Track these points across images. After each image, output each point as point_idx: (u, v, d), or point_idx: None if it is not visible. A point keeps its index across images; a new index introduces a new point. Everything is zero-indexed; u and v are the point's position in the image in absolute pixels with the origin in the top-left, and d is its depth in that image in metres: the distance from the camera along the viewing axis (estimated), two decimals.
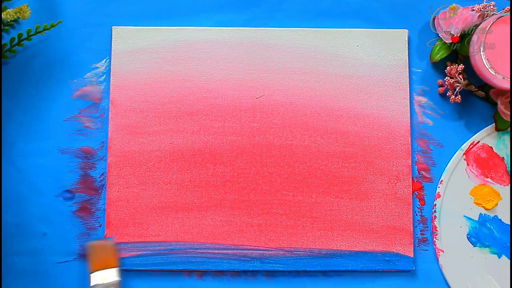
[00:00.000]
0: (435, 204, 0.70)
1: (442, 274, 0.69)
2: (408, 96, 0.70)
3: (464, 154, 0.70)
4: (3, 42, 0.69)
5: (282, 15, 0.72)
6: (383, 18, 0.72)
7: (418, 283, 0.69)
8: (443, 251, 0.69)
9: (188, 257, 0.68)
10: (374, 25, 0.72)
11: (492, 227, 0.70)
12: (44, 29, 0.68)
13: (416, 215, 0.70)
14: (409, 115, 0.70)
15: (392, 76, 0.71)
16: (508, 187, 0.70)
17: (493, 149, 0.71)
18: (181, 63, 0.70)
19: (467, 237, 0.70)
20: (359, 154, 0.69)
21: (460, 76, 0.69)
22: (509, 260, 0.69)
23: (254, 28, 0.71)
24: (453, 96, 0.69)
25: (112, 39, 0.70)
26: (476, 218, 0.70)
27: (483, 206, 0.70)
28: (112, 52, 0.70)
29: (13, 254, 0.68)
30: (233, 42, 0.71)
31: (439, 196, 0.70)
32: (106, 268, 0.65)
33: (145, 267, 0.68)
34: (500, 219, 0.70)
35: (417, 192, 0.70)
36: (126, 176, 0.69)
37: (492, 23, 0.65)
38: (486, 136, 0.71)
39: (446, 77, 0.70)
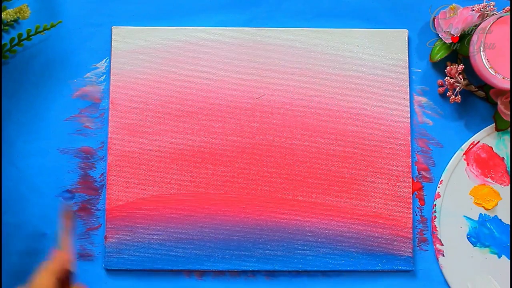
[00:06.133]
0: (435, 204, 0.70)
1: (442, 274, 0.69)
2: (408, 96, 0.70)
3: (464, 154, 0.70)
4: (3, 42, 0.69)
5: (282, 15, 0.72)
6: (383, 18, 0.72)
7: (418, 283, 0.69)
8: (443, 251, 0.69)
9: (188, 257, 0.68)
10: (374, 25, 0.72)
11: (492, 227, 0.70)
12: (44, 29, 0.68)
13: (416, 215, 0.70)
14: (409, 115, 0.70)
15: (392, 76, 0.71)
16: (508, 187, 0.70)
17: (493, 149, 0.71)
18: (181, 63, 0.70)
19: (467, 237, 0.70)
20: (359, 154, 0.69)
21: (460, 76, 0.69)
22: (509, 260, 0.69)
23: (254, 28, 0.71)
24: (453, 96, 0.69)
25: (112, 39, 0.70)
26: (476, 218, 0.70)
27: (483, 206, 0.70)
28: (112, 52, 0.70)
29: (13, 254, 0.68)
30: (233, 42, 0.71)
31: (439, 196, 0.70)
32: None
33: (145, 267, 0.68)
34: (500, 219, 0.70)
35: (417, 192, 0.70)
36: (126, 176, 0.69)
37: (492, 23, 0.65)
38: (486, 136, 0.71)
39: (446, 77, 0.70)
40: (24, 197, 0.69)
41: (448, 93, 0.70)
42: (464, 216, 0.70)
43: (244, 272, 0.69)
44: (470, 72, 0.70)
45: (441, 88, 0.71)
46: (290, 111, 0.70)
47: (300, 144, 0.69)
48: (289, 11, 0.72)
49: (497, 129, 0.70)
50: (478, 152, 0.70)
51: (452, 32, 0.68)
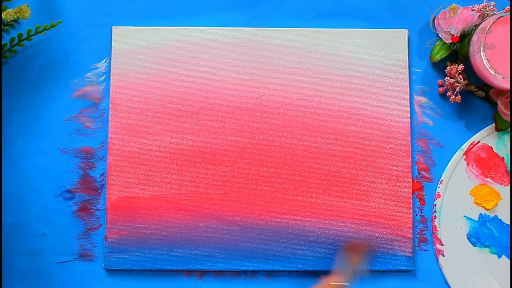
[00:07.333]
0: (435, 204, 0.70)
1: (442, 274, 0.69)
2: (408, 96, 0.70)
3: (464, 154, 0.70)
4: (3, 42, 0.69)
5: (282, 15, 0.72)
6: (383, 18, 0.72)
7: (418, 283, 0.69)
8: (443, 251, 0.69)
9: (188, 257, 0.68)
10: (374, 25, 0.72)
11: (492, 227, 0.70)
12: (44, 29, 0.68)
13: (416, 215, 0.70)
14: (409, 115, 0.70)
15: (392, 76, 0.71)
16: (508, 187, 0.70)
17: (493, 149, 0.71)
18: (181, 63, 0.70)
19: (467, 237, 0.70)
20: (359, 154, 0.69)
21: (460, 76, 0.69)
22: (509, 260, 0.69)
23: (254, 28, 0.71)
24: (453, 96, 0.69)
25: (112, 39, 0.70)
26: (476, 218, 0.70)
27: (483, 206, 0.70)
28: (112, 52, 0.70)
29: (13, 254, 0.68)
30: (233, 42, 0.71)
31: (439, 196, 0.70)
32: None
33: (145, 267, 0.68)
34: (500, 219, 0.70)
35: (417, 192, 0.70)
36: (126, 176, 0.69)
37: (492, 23, 0.65)
38: (486, 136, 0.71)
39: (446, 77, 0.70)
40: (24, 197, 0.69)
41: (448, 93, 0.70)
42: (464, 216, 0.70)
43: (244, 272, 0.69)
44: (470, 72, 0.70)
45: (441, 88, 0.71)
46: (290, 111, 0.70)
47: (300, 144, 0.69)
48: (289, 11, 0.72)
49: (497, 129, 0.70)
50: (478, 152, 0.70)
51: (452, 32, 0.68)
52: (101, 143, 0.70)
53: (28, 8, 0.66)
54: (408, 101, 0.70)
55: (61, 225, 0.69)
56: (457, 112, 0.71)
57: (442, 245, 0.69)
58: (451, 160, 0.70)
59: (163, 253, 0.68)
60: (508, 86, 0.65)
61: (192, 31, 0.71)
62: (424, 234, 0.70)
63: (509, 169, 0.70)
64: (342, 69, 0.70)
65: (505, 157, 0.71)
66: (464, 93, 0.71)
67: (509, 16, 0.66)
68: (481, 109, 0.71)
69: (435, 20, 0.70)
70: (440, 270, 0.69)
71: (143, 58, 0.70)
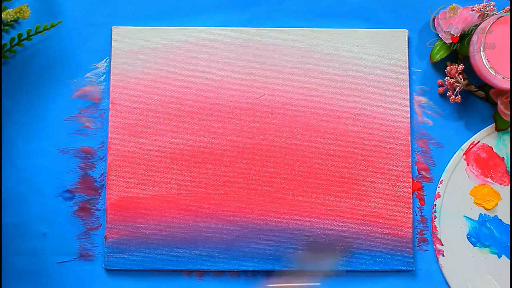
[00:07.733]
0: (435, 204, 0.70)
1: (442, 274, 0.69)
2: (408, 96, 0.70)
3: (464, 154, 0.70)
4: (3, 42, 0.69)
5: (282, 15, 0.72)
6: (383, 18, 0.72)
7: (418, 283, 0.69)
8: (443, 251, 0.69)
9: (188, 257, 0.68)
10: (374, 25, 0.72)
11: (492, 227, 0.70)
12: (44, 29, 0.68)
13: (416, 215, 0.70)
14: (409, 115, 0.70)
15: (392, 76, 0.71)
16: (508, 187, 0.70)
17: (493, 149, 0.71)
18: (181, 63, 0.70)
19: (467, 237, 0.70)
20: (359, 154, 0.69)
21: (460, 76, 0.69)
22: (509, 260, 0.69)
23: (254, 28, 0.71)
24: (453, 96, 0.69)
25: (112, 39, 0.70)
26: (476, 218, 0.70)
27: (483, 206, 0.70)
28: (112, 52, 0.70)
29: (13, 254, 0.68)
30: (233, 42, 0.71)
31: (439, 196, 0.70)
32: None
33: (145, 267, 0.68)
34: (500, 219, 0.70)
35: (417, 192, 0.70)
36: (126, 176, 0.69)
37: (492, 23, 0.65)
38: (486, 136, 0.71)
39: (446, 77, 0.70)
40: (24, 197, 0.69)
41: (448, 93, 0.70)
42: (464, 216, 0.70)
43: (244, 272, 0.69)
44: (470, 72, 0.70)
45: (441, 88, 0.71)
46: (290, 111, 0.70)
47: (300, 144, 0.69)
48: (289, 11, 0.72)
49: (497, 129, 0.70)
50: (478, 152, 0.70)
51: (452, 32, 0.68)
52: (101, 143, 0.70)
53: (28, 8, 0.66)
54: (408, 101, 0.70)
55: (61, 225, 0.69)
56: (457, 112, 0.71)
57: (442, 245, 0.69)
58: (451, 160, 0.70)
59: (163, 253, 0.68)
60: (508, 86, 0.65)
61: (192, 31, 0.71)
62: (424, 234, 0.70)
63: (509, 169, 0.70)
64: (342, 69, 0.70)
65: (505, 157, 0.71)
66: (464, 93, 0.71)
67: (509, 16, 0.66)
68: (481, 109, 0.71)
69: (435, 20, 0.70)
70: (440, 270, 0.69)
71: (143, 58, 0.70)
